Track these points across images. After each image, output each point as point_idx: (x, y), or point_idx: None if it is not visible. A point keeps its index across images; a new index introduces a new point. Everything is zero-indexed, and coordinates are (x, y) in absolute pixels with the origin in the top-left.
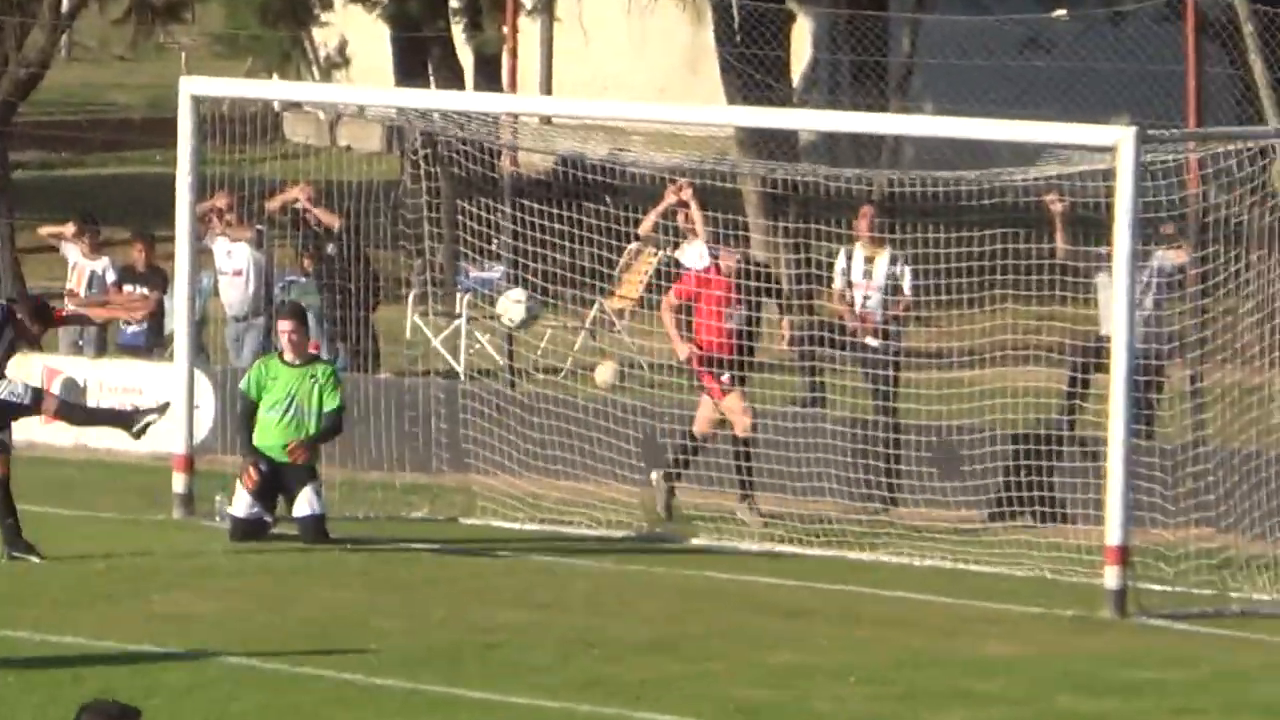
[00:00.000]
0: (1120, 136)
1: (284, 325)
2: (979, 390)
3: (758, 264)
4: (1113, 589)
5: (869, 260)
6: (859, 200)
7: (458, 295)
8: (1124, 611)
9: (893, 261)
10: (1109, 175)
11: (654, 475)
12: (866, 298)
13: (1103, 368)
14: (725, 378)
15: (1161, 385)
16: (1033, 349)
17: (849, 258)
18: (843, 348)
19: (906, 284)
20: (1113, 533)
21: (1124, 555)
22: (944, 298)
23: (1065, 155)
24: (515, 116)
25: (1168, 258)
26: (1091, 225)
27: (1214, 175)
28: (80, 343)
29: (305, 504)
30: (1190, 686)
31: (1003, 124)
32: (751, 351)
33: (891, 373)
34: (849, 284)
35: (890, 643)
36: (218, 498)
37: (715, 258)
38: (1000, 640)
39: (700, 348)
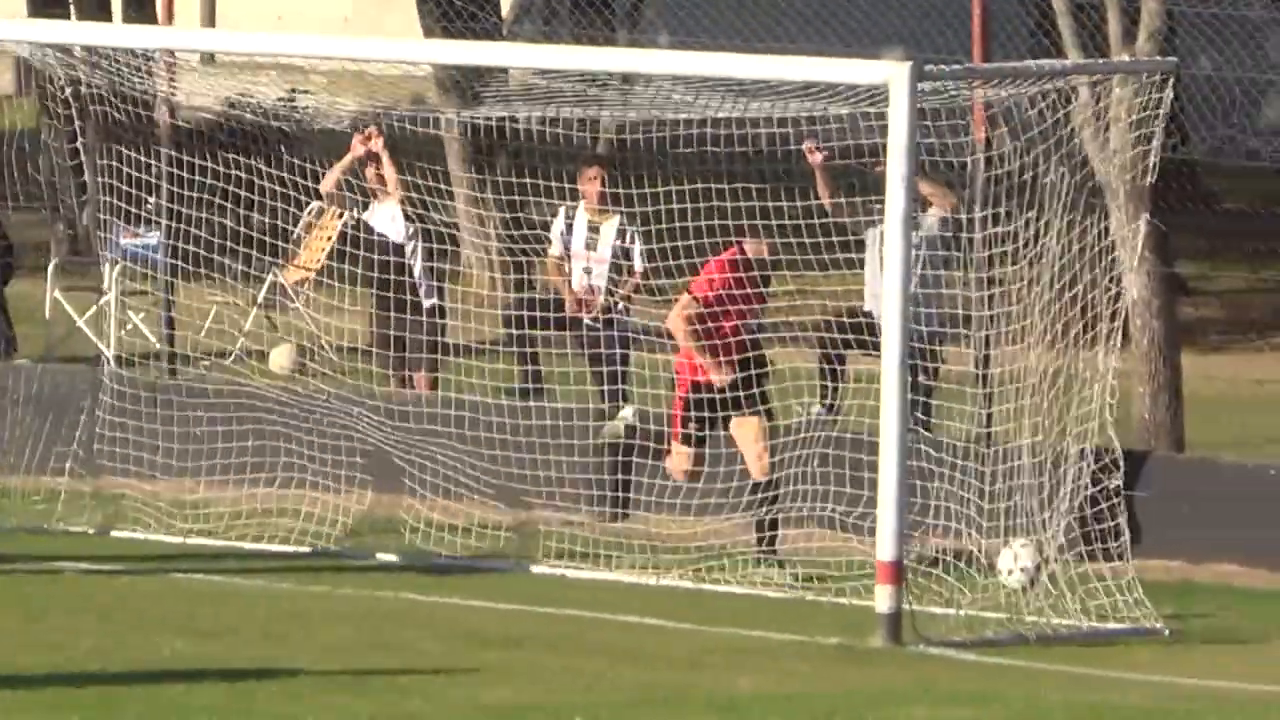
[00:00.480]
0: (892, 73)
1: None
2: None
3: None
4: (885, 612)
5: (593, 229)
6: (580, 149)
7: (106, 266)
8: (899, 639)
9: (620, 233)
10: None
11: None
12: (587, 270)
13: (864, 347)
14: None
15: (937, 371)
16: (792, 327)
17: (569, 221)
18: (561, 327)
19: (637, 257)
20: (885, 546)
21: (899, 573)
22: (681, 262)
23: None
24: (172, 53)
25: (932, 214)
26: (860, 179)
27: (1004, 119)
28: None
29: None
30: None
31: (752, 59)
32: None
33: (619, 353)
34: (568, 253)
35: (622, 677)
36: None
37: (738, 240)
38: (753, 673)
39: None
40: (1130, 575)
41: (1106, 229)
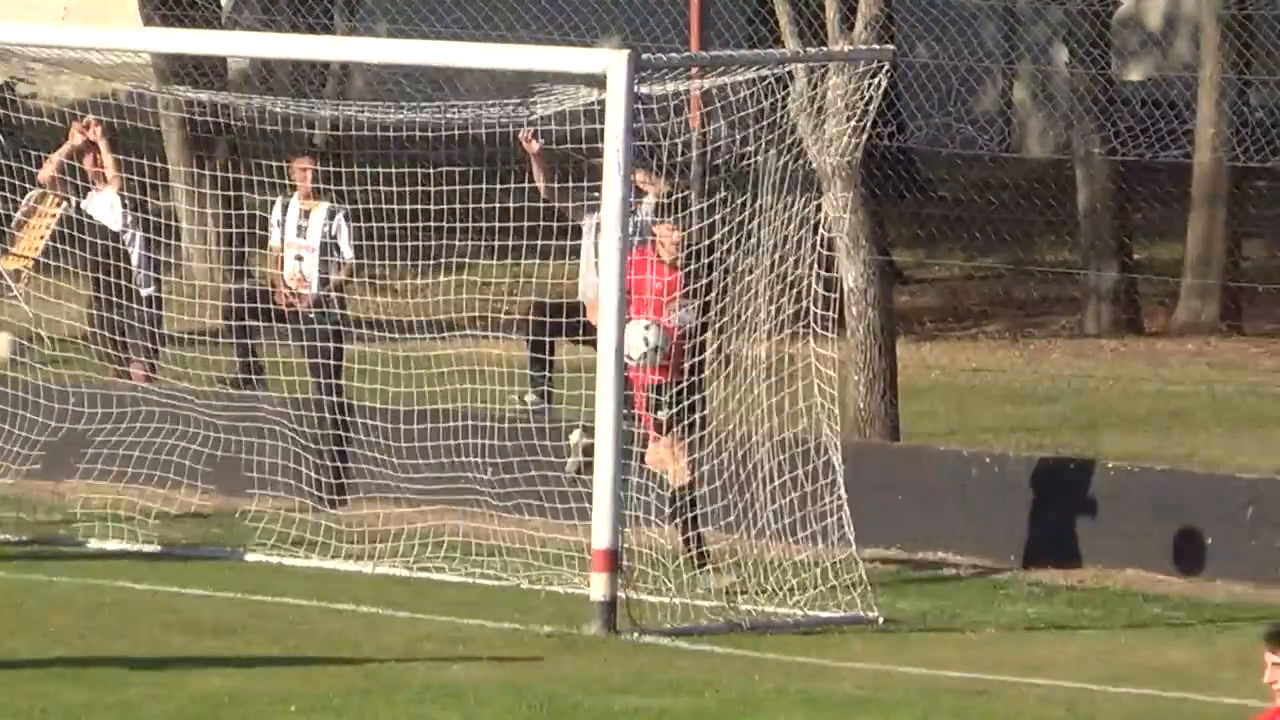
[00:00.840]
0: (610, 61)
1: None
2: (444, 367)
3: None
4: (600, 600)
5: (305, 215)
6: (299, 140)
7: None
8: (614, 627)
9: (330, 216)
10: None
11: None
12: (300, 258)
13: (576, 333)
14: (660, 413)
15: None
16: (505, 315)
17: (284, 211)
18: (280, 318)
19: (345, 243)
20: (600, 535)
21: (614, 561)
22: (399, 263)
23: (548, 87)
24: None
25: (648, 202)
26: (577, 166)
27: (721, 109)
28: None
29: None
30: (693, 716)
31: (471, 48)
32: (699, 370)
33: (333, 346)
34: (283, 242)
35: (339, 666)
36: None
37: (653, 223)
38: (467, 662)
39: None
40: (845, 563)
41: (822, 218)
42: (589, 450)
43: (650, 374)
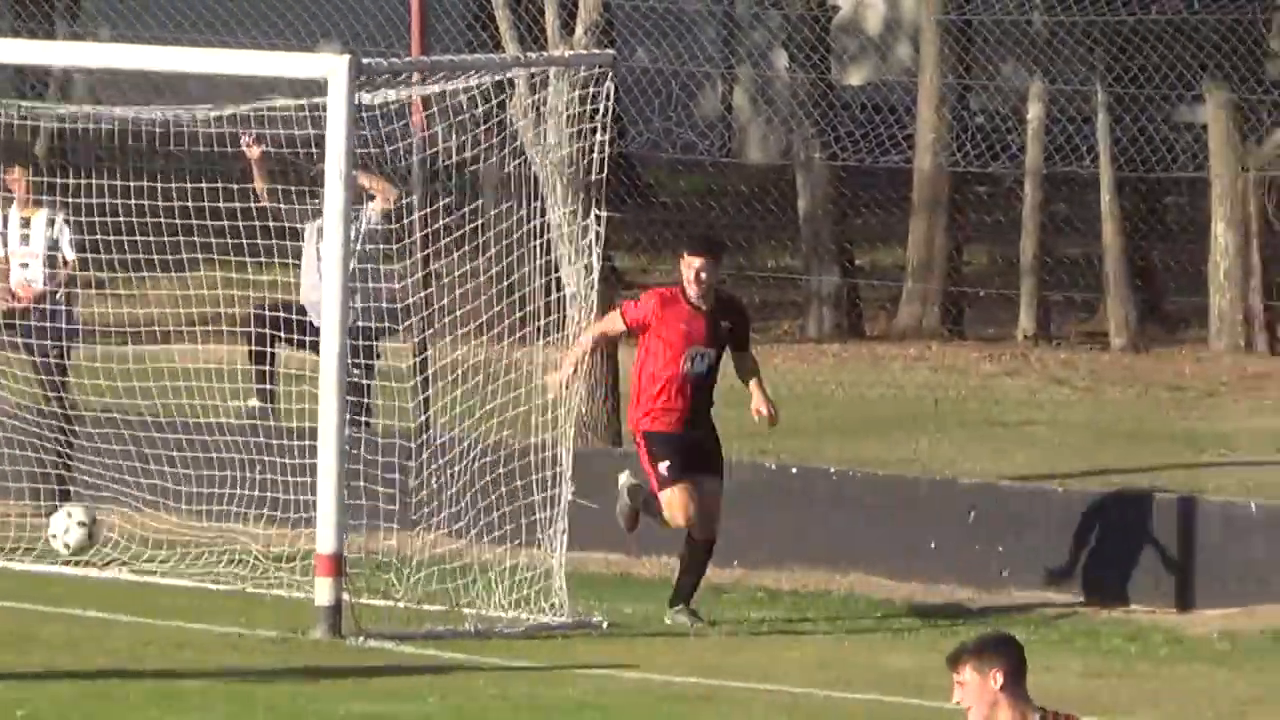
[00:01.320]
0: (331, 67)
1: None
2: (168, 376)
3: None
4: (325, 605)
5: (25, 223)
6: (20, 149)
7: None
8: (339, 631)
9: (50, 223)
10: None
11: (673, 618)
12: (25, 265)
13: (299, 339)
14: (664, 465)
15: (373, 368)
16: (228, 322)
17: (4, 222)
18: (9, 326)
19: (66, 246)
20: (325, 539)
21: (338, 565)
22: (120, 274)
23: (271, 95)
24: None
25: (373, 207)
26: (303, 172)
27: (440, 114)
28: None
29: None
30: None
31: (193, 53)
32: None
33: (60, 348)
34: (6, 251)
35: (64, 671)
36: None
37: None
38: (194, 666)
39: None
40: (569, 568)
41: (545, 223)
42: (634, 492)
43: None
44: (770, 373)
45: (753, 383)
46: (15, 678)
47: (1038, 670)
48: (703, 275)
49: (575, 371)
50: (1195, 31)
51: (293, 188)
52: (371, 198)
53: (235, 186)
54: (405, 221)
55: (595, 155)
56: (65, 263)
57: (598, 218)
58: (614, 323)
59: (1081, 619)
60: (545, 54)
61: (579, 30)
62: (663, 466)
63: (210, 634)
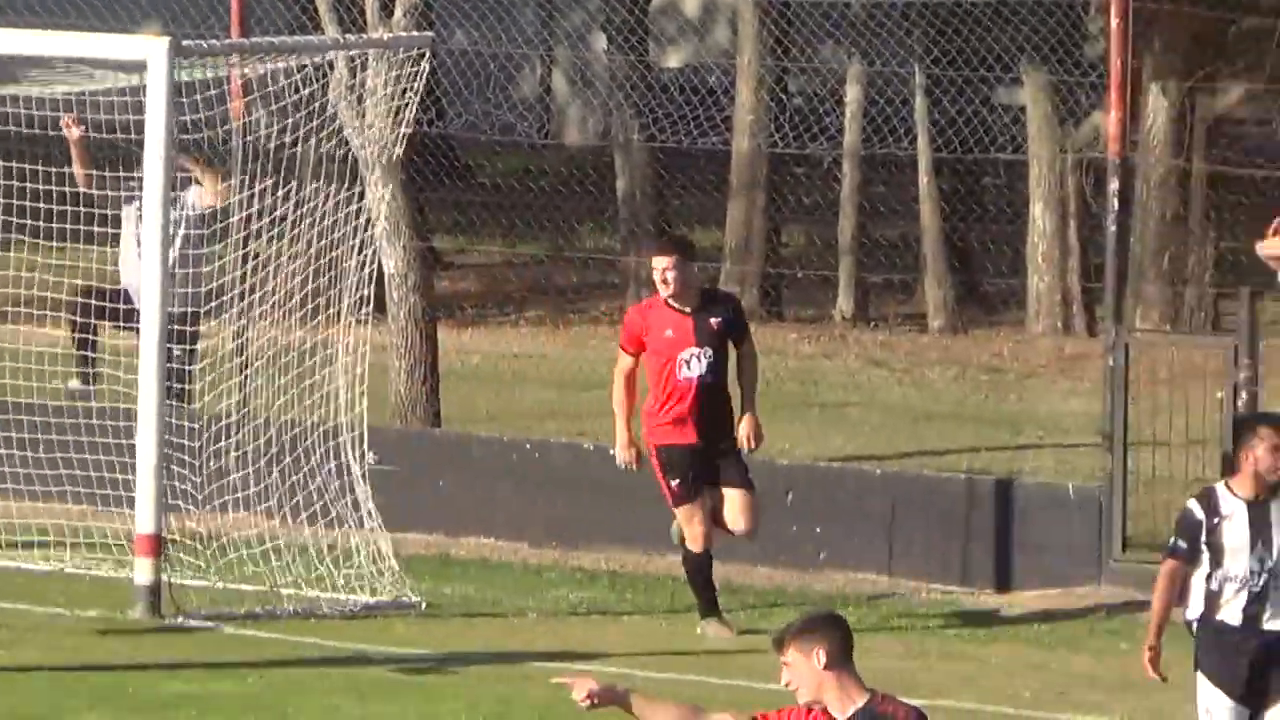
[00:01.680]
0: (150, 49)
1: None
2: None
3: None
4: (145, 584)
5: None
6: None
7: None
8: (159, 611)
9: None
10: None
11: (701, 629)
12: None
13: (118, 320)
14: (675, 482)
15: (195, 351)
16: (50, 306)
17: None
18: None
19: None
20: (144, 520)
21: (158, 545)
22: None
23: (88, 71)
24: None
25: (194, 190)
26: (127, 154)
27: (261, 98)
28: None
29: None
30: (238, 700)
31: (7, 34)
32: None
33: None
34: None
35: None
36: None
37: (661, 251)
38: (10, 647)
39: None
40: (386, 549)
41: (362, 204)
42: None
43: None
44: (588, 353)
45: (742, 392)
46: None
47: (857, 652)
48: (669, 275)
49: (629, 431)
50: (1014, 14)
51: (109, 174)
52: (196, 182)
53: (54, 170)
54: (226, 203)
55: (403, 132)
56: None
57: (413, 198)
58: (621, 361)
59: (900, 600)
60: (364, 36)
61: (398, 12)
62: (674, 483)
63: (30, 614)
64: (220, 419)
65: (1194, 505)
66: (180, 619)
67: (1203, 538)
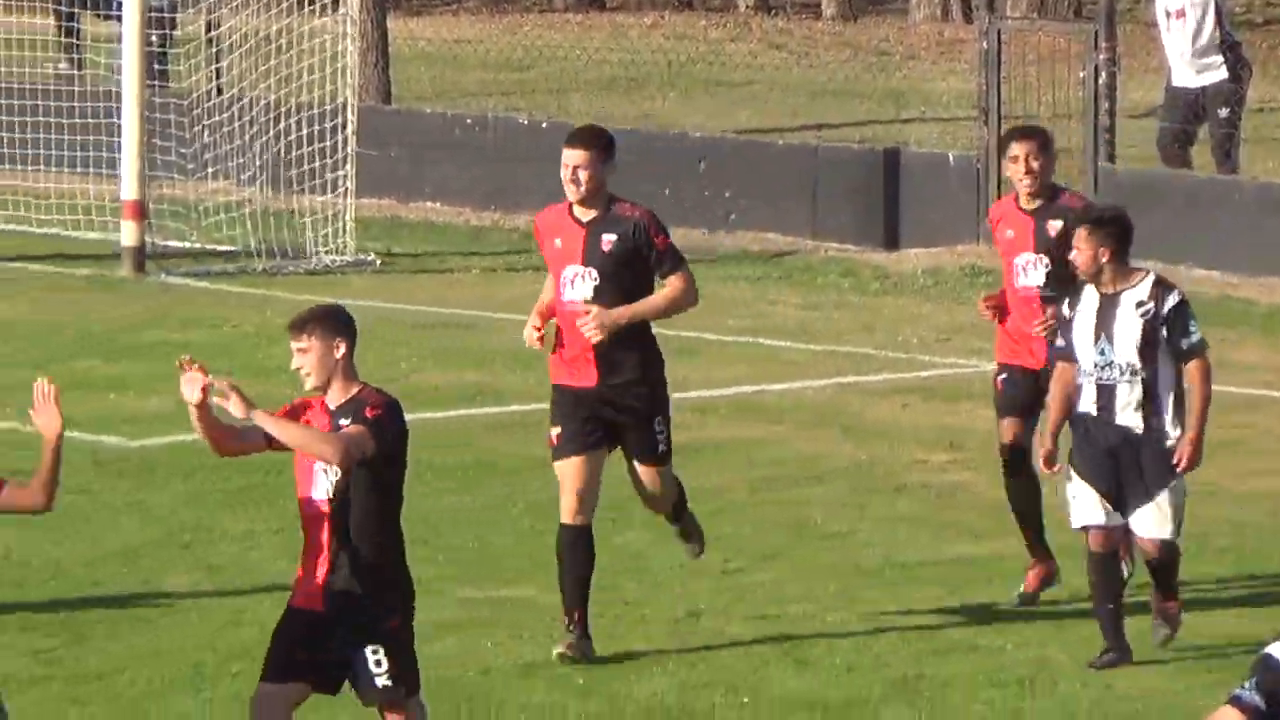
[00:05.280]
0: None
1: None
2: None
3: None
4: (130, 246)
5: None
6: None
7: None
8: (143, 269)
9: None
10: None
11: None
12: None
13: (97, 6)
14: (554, 431)
15: (173, 36)
16: None
17: None
18: None
19: None
20: (128, 187)
21: (142, 210)
22: None
23: None
24: None
25: None
26: None
27: None
28: None
29: None
30: (213, 348)
31: None
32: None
33: None
34: None
35: None
36: None
37: None
38: (11, 301)
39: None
40: (346, 212)
41: None
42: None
43: None
44: (521, 38)
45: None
46: None
47: (762, 303)
48: (580, 174)
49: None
50: None
51: None
52: None
53: None
54: None
55: None
56: None
57: None
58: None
59: (800, 257)
60: None
61: None
62: (553, 432)
63: (27, 271)
64: (198, 97)
65: (1063, 304)
66: (162, 276)
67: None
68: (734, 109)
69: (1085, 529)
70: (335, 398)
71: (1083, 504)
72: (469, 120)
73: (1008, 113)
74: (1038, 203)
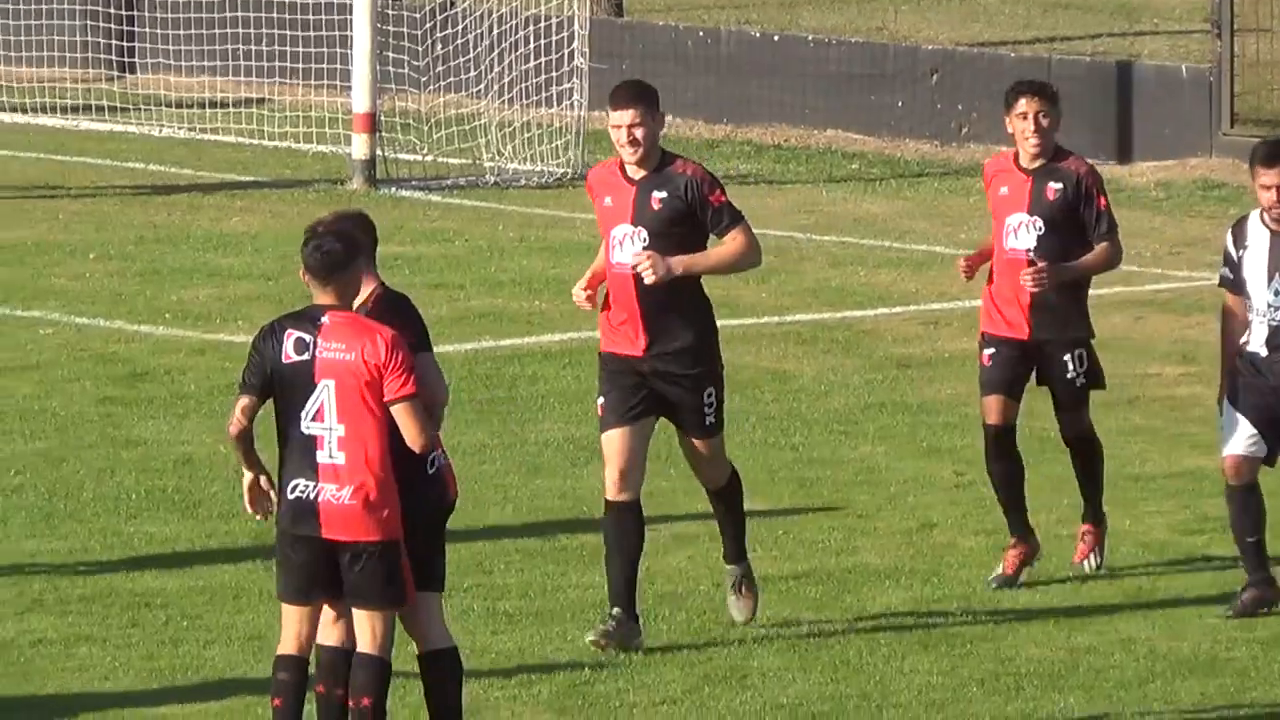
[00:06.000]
0: None
1: None
2: None
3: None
4: (361, 159)
5: None
6: None
7: None
8: (374, 182)
9: None
10: None
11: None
12: None
13: None
14: (601, 401)
15: None
16: None
17: None
18: None
19: None
20: (359, 100)
21: (372, 123)
22: None
23: None
24: None
25: None
26: None
27: None
28: None
29: None
30: (445, 261)
31: None
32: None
33: None
34: None
35: (132, 218)
36: None
37: None
38: (244, 214)
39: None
40: (579, 124)
41: None
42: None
43: None
44: None
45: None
46: (84, 219)
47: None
48: (636, 133)
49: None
50: None
51: None
52: None
53: None
54: None
55: None
56: None
57: None
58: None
59: None
60: None
61: None
62: (600, 401)
63: (260, 186)
64: (430, 11)
65: (1227, 236)
66: (393, 189)
67: (1237, 268)
68: (966, 22)
69: (1227, 459)
70: None
71: (1232, 433)
72: (701, 33)
73: (1240, 25)
74: (1040, 163)
